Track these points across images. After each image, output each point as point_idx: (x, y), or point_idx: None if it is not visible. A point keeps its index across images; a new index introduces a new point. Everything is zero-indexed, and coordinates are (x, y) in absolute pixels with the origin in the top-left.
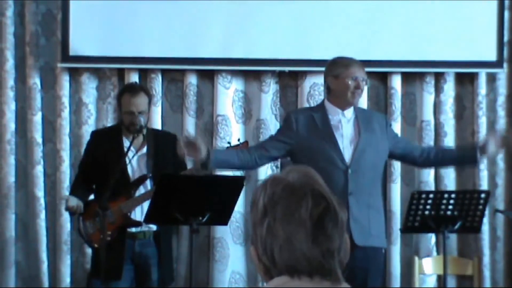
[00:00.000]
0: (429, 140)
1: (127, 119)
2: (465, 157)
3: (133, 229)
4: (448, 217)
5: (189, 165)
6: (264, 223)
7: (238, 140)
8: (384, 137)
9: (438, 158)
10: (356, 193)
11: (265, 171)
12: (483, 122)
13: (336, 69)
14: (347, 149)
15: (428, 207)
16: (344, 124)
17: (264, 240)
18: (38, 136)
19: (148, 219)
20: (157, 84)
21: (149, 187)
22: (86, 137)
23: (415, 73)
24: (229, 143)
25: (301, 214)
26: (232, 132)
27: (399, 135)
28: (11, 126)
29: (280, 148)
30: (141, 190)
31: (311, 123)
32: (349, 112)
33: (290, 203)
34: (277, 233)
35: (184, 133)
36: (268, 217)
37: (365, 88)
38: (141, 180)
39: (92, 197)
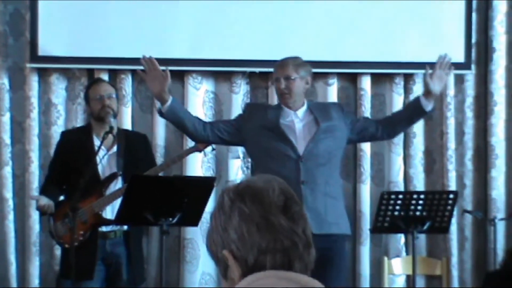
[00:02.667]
0: (398, 141)
1: (97, 106)
2: (413, 109)
3: (104, 228)
4: (417, 217)
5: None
6: (235, 213)
7: None
8: (342, 124)
9: (393, 125)
10: (310, 182)
11: (236, 172)
12: (451, 123)
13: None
14: (300, 141)
15: (397, 207)
16: (296, 124)
17: (241, 230)
18: (6, 137)
19: (119, 219)
20: (127, 85)
21: (120, 185)
22: (55, 138)
23: (384, 74)
24: None
25: (269, 194)
26: None
27: (357, 117)
28: None
29: (231, 132)
30: (111, 189)
31: (264, 117)
32: (302, 112)
33: (257, 189)
34: (252, 216)
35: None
36: (237, 203)
37: (306, 87)
38: (111, 178)
39: (62, 197)
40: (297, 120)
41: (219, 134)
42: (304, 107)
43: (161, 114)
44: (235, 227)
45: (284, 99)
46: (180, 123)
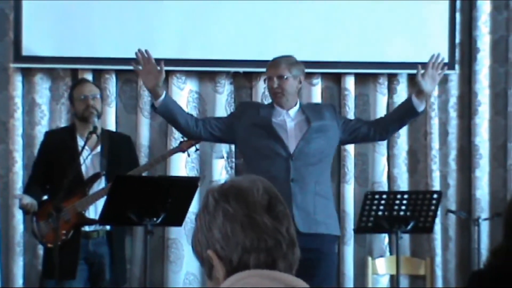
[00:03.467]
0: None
1: (81, 106)
2: (405, 109)
3: (87, 228)
4: (401, 217)
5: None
6: (219, 213)
7: None
8: (334, 124)
9: (385, 125)
10: (299, 180)
11: (220, 172)
12: (435, 123)
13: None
14: (291, 140)
15: (381, 207)
16: (288, 123)
17: (224, 229)
18: None
19: (103, 220)
20: (111, 85)
21: (103, 185)
22: (39, 138)
23: (368, 74)
24: (182, 137)
25: (254, 193)
26: None
27: (349, 119)
28: None
29: (223, 130)
30: (95, 189)
31: (256, 115)
32: (293, 111)
33: (241, 189)
34: (235, 214)
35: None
36: (221, 203)
37: (299, 86)
38: (94, 178)
39: (46, 197)
40: (288, 119)
41: (211, 130)
42: (297, 107)
43: (154, 109)
44: (219, 227)
45: (277, 98)
46: (173, 118)
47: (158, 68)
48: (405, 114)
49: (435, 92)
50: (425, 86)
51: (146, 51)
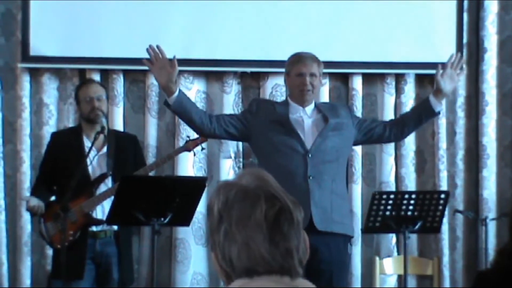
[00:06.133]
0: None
1: (87, 108)
2: (422, 110)
3: (94, 228)
4: (408, 217)
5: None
6: (221, 229)
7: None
8: (349, 123)
9: (401, 126)
10: (317, 177)
11: (227, 172)
12: (442, 123)
13: (287, 66)
14: (308, 136)
15: (389, 207)
16: (305, 120)
17: (222, 246)
18: None
19: (110, 220)
20: (118, 85)
21: (109, 186)
22: (46, 138)
23: (376, 74)
24: (188, 137)
25: (256, 216)
26: (194, 133)
27: (364, 119)
28: None
29: (237, 127)
30: (101, 189)
31: (272, 111)
32: (310, 109)
33: (245, 207)
34: (234, 238)
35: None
36: (224, 223)
37: (320, 85)
38: (101, 179)
39: (53, 198)
40: (305, 116)
41: (225, 127)
42: (312, 105)
43: (168, 106)
44: (220, 241)
45: (304, 95)
46: (187, 115)
47: (171, 63)
48: (422, 114)
49: None
50: (444, 86)
51: (157, 46)
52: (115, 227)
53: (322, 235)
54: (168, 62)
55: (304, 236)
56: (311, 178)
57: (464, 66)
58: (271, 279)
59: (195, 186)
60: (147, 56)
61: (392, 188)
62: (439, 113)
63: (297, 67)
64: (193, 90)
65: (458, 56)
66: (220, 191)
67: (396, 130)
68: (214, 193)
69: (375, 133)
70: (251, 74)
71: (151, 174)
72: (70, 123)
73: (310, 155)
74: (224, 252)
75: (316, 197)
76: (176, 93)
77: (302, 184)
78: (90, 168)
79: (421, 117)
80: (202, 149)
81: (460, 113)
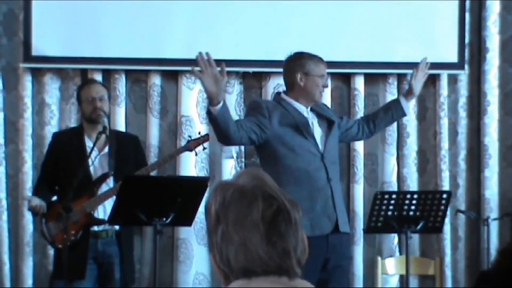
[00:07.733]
0: (392, 140)
1: (89, 108)
2: (394, 111)
3: (96, 228)
4: (410, 217)
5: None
6: (218, 230)
7: (199, 133)
8: (336, 124)
9: (374, 126)
10: (333, 179)
11: (229, 172)
12: (445, 123)
13: (306, 65)
14: (317, 138)
15: (390, 207)
16: (310, 120)
17: (220, 246)
18: (0, 137)
19: (112, 220)
20: (120, 85)
21: (111, 186)
22: (48, 138)
23: (377, 74)
24: (189, 136)
25: (253, 217)
26: (196, 133)
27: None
28: None
29: (257, 132)
30: (103, 189)
31: (285, 113)
32: (308, 109)
33: (242, 207)
34: (232, 239)
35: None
36: (221, 223)
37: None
38: (103, 178)
39: (55, 198)
40: (309, 116)
41: (249, 134)
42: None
43: (209, 114)
44: (217, 242)
45: (321, 97)
46: (226, 124)
47: (220, 71)
48: (394, 115)
49: (445, 92)
50: (416, 88)
51: (206, 53)
52: (117, 227)
53: (340, 234)
54: (217, 71)
55: (302, 236)
56: (331, 180)
57: (466, 66)
58: (269, 280)
59: (197, 186)
60: (149, 56)
61: (394, 188)
62: (406, 115)
63: (320, 67)
64: (195, 90)
65: (426, 60)
66: (217, 191)
67: (367, 130)
68: (211, 194)
69: (351, 132)
70: (253, 74)
71: (152, 174)
72: (72, 123)
73: (323, 157)
74: (221, 253)
75: (336, 200)
76: (221, 103)
77: (325, 188)
78: (91, 168)
79: (392, 118)
80: (204, 148)
81: (462, 113)
